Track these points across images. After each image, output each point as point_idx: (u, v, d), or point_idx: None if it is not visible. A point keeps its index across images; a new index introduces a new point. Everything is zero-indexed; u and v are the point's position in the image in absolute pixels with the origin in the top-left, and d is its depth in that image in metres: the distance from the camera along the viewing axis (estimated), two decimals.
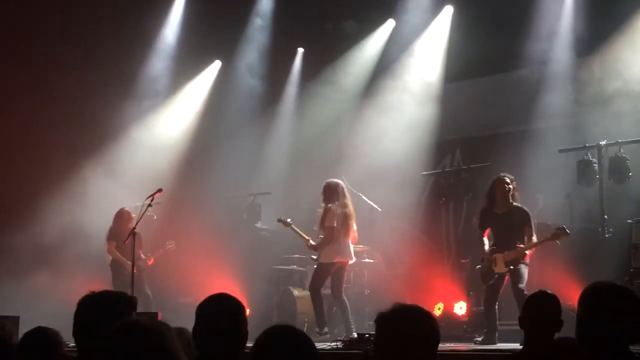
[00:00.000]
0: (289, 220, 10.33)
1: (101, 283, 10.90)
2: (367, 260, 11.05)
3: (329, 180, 9.73)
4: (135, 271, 9.88)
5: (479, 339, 8.91)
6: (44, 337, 4.00)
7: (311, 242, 9.76)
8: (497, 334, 8.72)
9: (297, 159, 12.87)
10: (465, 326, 10.07)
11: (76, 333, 3.38)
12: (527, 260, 8.72)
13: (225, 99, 13.36)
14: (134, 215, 10.63)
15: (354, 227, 9.69)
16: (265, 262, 12.01)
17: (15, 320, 7.18)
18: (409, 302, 9.64)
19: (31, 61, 11.76)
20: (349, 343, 8.17)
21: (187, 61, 13.12)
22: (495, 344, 8.59)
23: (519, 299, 8.43)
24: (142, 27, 12.56)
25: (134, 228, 9.68)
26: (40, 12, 11.71)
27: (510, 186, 8.78)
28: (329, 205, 9.50)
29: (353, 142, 12.39)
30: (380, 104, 12.37)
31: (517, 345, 7.64)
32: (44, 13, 11.74)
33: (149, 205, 9.55)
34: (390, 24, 12.78)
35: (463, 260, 10.82)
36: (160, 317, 7.87)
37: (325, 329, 9.43)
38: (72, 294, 4.11)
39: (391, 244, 11.67)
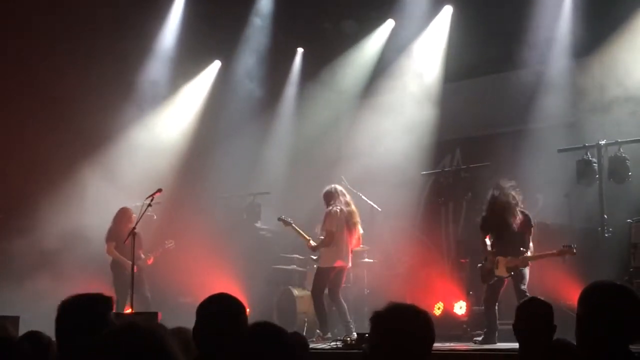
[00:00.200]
0: (289, 219, 10.33)
1: (101, 284, 10.93)
2: (366, 260, 11.06)
3: (325, 188, 9.76)
4: (135, 271, 9.87)
5: (479, 338, 8.91)
6: (36, 341, 4.00)
7: (312, 242, 9.77)
8: (497, 333, 8.72)
9: (296, 158, 12.88)
10: (465, 326, 10.08)
11: (58, 336, 3.40)
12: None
13: (225, 99, 13.35)
14: (134, 216, 10.62)
15: (360, 231, 9.70)
16: (265, 262, 12.01)
17: (15, 320, 7.18)
18: (408, 301, 9.63)
19: (30, 61, 11.74)
20: (349, 343, 8.19)
21: (187, 61, 13.12)
22: (495, 343, 8.59)
23: (520, 299, 8.43)
24: (142, 27, 12.55)
25: (134, 228, 9.68)
26: (40, 12, 11.70)
27: (516, 204, 8.74)
28: (329, 208, 9.51)
29: (353, 142, 12.40)
30: (380, 103, 12.38)
31: (517, 345, 7.63)
32: (43, 13, 11.73)
33: (149, 205, 9.55)
34: (389, 24, 12.78)
35: (463, 260, 10.81)
36: (160, 317, 7.88)
37: (329, 334, 9.42)
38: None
39: (391, 243, 11.67)
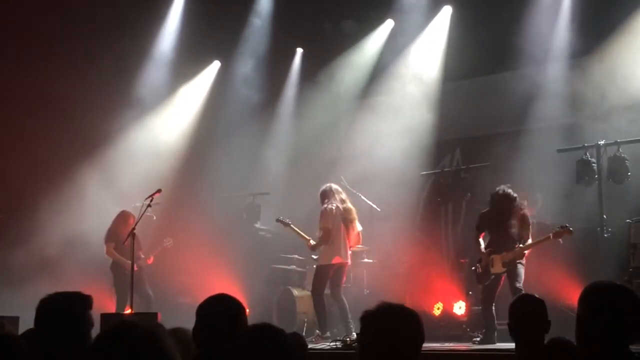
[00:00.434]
0: (287, 220, 10.34)
1: (101, 285, 10.94)
2: (366, 260, 11.06)
3: (321, 187, 9.77)
4: (135, 270, 9.88)
5: (478, 338, 8.92)
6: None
7: (312, 242, 9.77)
8: (496, 333, 8.72)
9: (296, 159, 12.88)
10: (464, 326, 10.08)
11: (37, 334, 3.41)
12: (524, 260, 8.73)
13: (224, 99, 13.35)
14: (133, 217, 10.62)
15: (358, 228, 9.70)
16: (264, 262, 12.00)
17: (14, 320, 7.18)
18: (408, 302, 9.64)
19: (29, 61, 11.73)
20: (348, 343, 8.19)
21: (186, 62, 13.12)
22: (495, 343, 8.60)
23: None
24: (142, 27, 12.55)
25: (133, 229, 9.68)
26: (39, 12, 11.69)
27: (516, 207, 8.77)
28: (323, 205, 9.52)
29: (352, 142, 12.40)
30: (379, 104, 12.39)
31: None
32: (43, 13, 11.72)
33: (149, 205, 9.54)
34: (389, 24, 12.79)
35: (462, 260, 10.82)
36: (159, 317, 7.88)
37: (328, 334, 9.42)
38: None
39: (390, 243, 11.66)
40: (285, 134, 13.44)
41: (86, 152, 12.15)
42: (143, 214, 9.53)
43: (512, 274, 8.62)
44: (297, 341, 4.54)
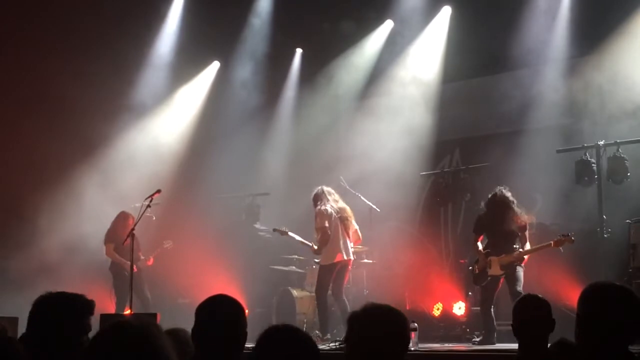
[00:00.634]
0: (284, 228, 10.35)
1: (100, 286, 10.93)
2: (365, 260, 11.06)
3: (313, 190, 9.78)
4: (135, 271, 9.87)
5: (478, 339, 8.91)
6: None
7: (314, 246, 9.76)
8: (495, 334, 8.72)
9: (296, 159, 12.87)
10: (464, 326, 10.08)
11: (29, 333, 3.36)
12: (524, 263, 8.73)
13: (223, 100, 13.35)
14: (133, 218, 10.61)
15: (355, 225, 9.69)
16: (264, 263, 12.00)
17: (14, 320, 7.17)
18: (408, 302, 9.62)
19: (26, 60, 11.70)
20: None
21: (185, 62, 13.11)
22: (494, 344, 8.59)
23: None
24: (141, 28, 12.54)
25: (133, 229, 9.67)
26: (37, 13, 11.68)
27: (513, 211, 8.77)
28: (317, 207, 9.52)
29: (351, 143, 12.39)
30: (379, 104, 12.39)
31: (515, 346, 7.64)
32: (40, 14, 11.71)
33: (148, 206, 9.54)
34: (388, 25, 12.78)
35: (462, 261, 10.82)
36: (158, 318, 7.88)
37: (328, 335, 9.41)
38: None
39: (390, 244, 11.67)
40: (284, 134, 13.44)
41: (85, 153, 12.13)
42: (142, 214, 9.53)
43: (512, 278, 8.61)
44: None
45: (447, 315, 10.48)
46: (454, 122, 12.18)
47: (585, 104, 10.41)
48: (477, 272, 8.95)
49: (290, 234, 10.30)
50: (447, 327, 10.37)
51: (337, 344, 8.43)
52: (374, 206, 11.13)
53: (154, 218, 11.32)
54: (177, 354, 2.33)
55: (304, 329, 10.34)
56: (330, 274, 9.50)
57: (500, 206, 8.79)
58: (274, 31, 13.05)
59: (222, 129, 13.08)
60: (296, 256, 11.68)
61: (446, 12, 12.29)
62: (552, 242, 8.54)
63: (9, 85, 11.52)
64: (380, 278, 11.18)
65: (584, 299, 3.09)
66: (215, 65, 13.75)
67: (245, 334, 3.61)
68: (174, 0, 13.10)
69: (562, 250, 8.69)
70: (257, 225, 12.66)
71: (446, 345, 9.25)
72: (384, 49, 12.78)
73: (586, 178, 9.86)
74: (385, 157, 11.57)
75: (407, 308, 10.67)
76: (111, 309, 10.53)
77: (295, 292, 11.11)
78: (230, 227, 12.37)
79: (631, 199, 9.66)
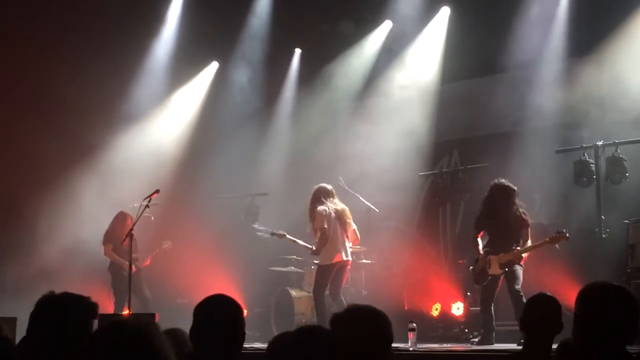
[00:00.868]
0: (282, 232, 10.34)
1: (98, 287, 10.93)
2: (364, 260, 11.06)
3: (314, 187, 9.75)
4: (133, 271, 9.87)
5: (476, 339, 8.92)
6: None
7: (313, 247, 9.74)
8: (494, 334, 8.72)
9: (295, 159, 12.87)
10: (462, 327, 10.08)
11: (30, 333, 3.35)
12: (522, 262, 8.73)
13: (222, 100, 13.34)
14: (131, 218, 10.61)
15: (354, 226, 9.68)
16: (262, 263, 12.00)
17: (12, 321, 7.16)
18: (406, 302, 9.62)
19: (24, 60, 11.66)
20: None
21: (184, 63, 13.10)
22: (493, 344, 8.60)
23: (515, 300, 8.45)
24: (139, 27, 12.52)
25: (131, 229, 9.67)
26: (34, 12, 11.65)
27: (513, 199, 8.77)
28: (317, 207, 9.50)
29: (350, 143, 12.40)
30: (377, 105, 12.39)
31: (514, 346, 7.66)
32: (37, 13, 11.68)
33: (147, 206, 9.54)
34: (387, 25, 12.78)
35: (460, 261, 10.83)
36: (157, 318, 7.88)
37: None
38: None
39: (388, 244, 11.66)
40: (283, 134, 13.44)
41: (83, 154, 12.11)
42: (141, 214, 9.53)
43: (511, 276, 8.62)
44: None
45: (445, 315, 10.48)
46: (452, 123, 12.18)
47: (584, 104, 10.41)
48: (477, 272, 8.94)
49: (288, 236, 10.29)
50: (446, 327, 10.37)
51: None
52: (372, 206, 11.14)
53: (153, 218, 11.32)
54: (176, 354, 2.33)
55: None
56: (329, 275, 9.49)
57: (500, 194, 8.78)
58: (273, 32, 13.04)
59: (221, 129, 13.07)
60: (295, 256, 11.68)
61: (445, 12, 12.29)
62: (547, 239, 8.55)
63: (6, 86, 11.49)
64: (379, 278, 11.18)
65: (581, 298, 3.09)
66: (214, 66, 13.75)
67: (244, 334, 3.61)
68: (172, 0, 13.09)
69: (557, 247, 8.70)
70: (256, 226, 12.65)
71: (445, 345, 9.26)
72: (382, 50, 12.78)
73: (585, 178, 9.87)
74: (384, 157, 11.58)
75: (406, 308, 10.67)
76: (110, 309, 10.53)
77: (293, 292, 11.11)
78: (229, 228, 12.36)
79: (629, 200, 9.67)
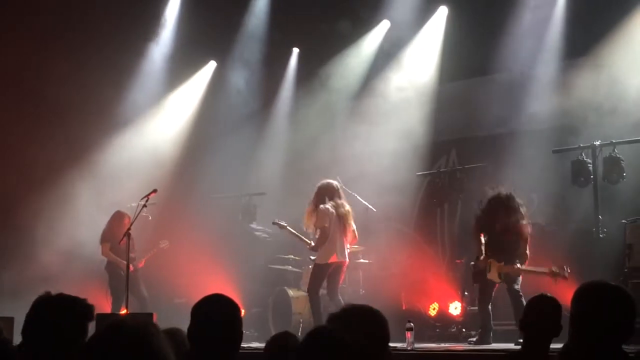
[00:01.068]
0: (283, 222, 10.33)
1: (97, 285, 10.92)
2: (362, 260, 11.06)
3: (321, 181, 9.71)
4: (131, 271, 9.86)
5: (474, 339, 8.92)
6: None
7: (311, 243, 9.74)
8: (492, 333, 8.73)
9: (292, 159, 12.86)
10: (460, 326, 10.09)
11: (25, 334, 3.34)
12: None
13: (220, 99, 13.34)
14: (129, 217, 10.60)
15: (353, 226, 9.68)
16: (260, 263, 12.00)
17: (10, 320, 7.16)
18: (404, 302, 9.60)
19: (19, 59, 11.64)
20: None
21: (182, 62, 13.10)
22: (490, 344, 8.60)
23: (514, 299, 8.45)
24: (137, 27, 12.52)
25: (129, 229, 9.66)
26: (30, 10, 11.62)
27: (512, 208, 8.74)
28: (320, 205, 9.49)
29: (348, 142, 12.40)
30: (375, 104, 12.38)
31: (511, 346, 7.66)
32: (33, 12, 11.65)
33: (144, 205, 9.53)
34: (385, 25, 12.78)
35: (458, 261, 10.83)
36: (155, 318, 7.87)
37: None
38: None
39: (386, 244, 11.66)
40: (281, 134, 13.43)
41: (80, 155, 12.11)
42: (138, 214, 9.52)
43: (509, 278, 8.61)
44: (289, 340, 4.54)
45: (443, 315, 10.48)
46: (450, 123, 12.18)
47: (582, 104, 10.41)
48: (477, 270, 8.92)
49: (288, 228, 10.28)
50: (443, 326, 10.37)
51: None
52: (370, 206, 11.14)
53: (150, 218, 11.31)
54: (174, 354, 2.33)
55: (300, 328, 10.38)
56: (324, 274, 9.49)
57: (499, 208, 8.75)
58: (271, 31, 13.04)
59: (219, 128, 13.08)
60: (292, 256, 11.67)
61: (442, 12, 12.29)
62: (547, 272, 8.48)
63: (1, 87, 11.46)
64: (377, 278, 11.18)
65: (578, 298, 3.09)
66: (211, 65, 13.74)
67: (241, 333, 3.61)
68: (170, 0, 13.09)
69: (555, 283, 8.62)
70: (254, 225, 12.65)
71: (442, 345, 9.26)
72: (380, 50, 12.78)
73: (582, 178, 9.87)
74: (382, 157, 11.59)
75: (404, 308, 10.67)
76: (107, 308, 10.53)
77: (291, 292, 11.10)
78: (226, 227, 12.36)
79: (627, 199, 9.68)
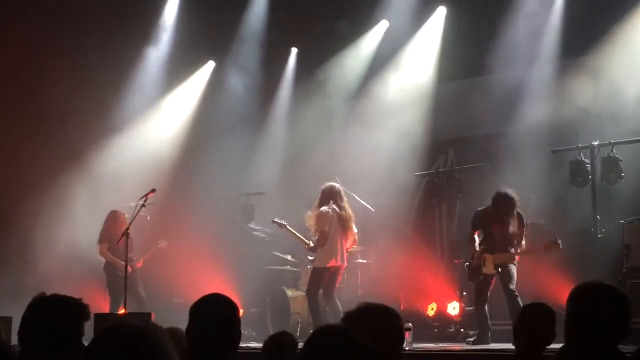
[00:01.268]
0: (283, 221, 10.32)
1: (94, 285, 10.91)
2: (360, 260, 11.06)
3: (324, 184, 9.72)
4: (129, 271, 9.86)
5: (472, 339, 8.93)
6: None
7: (311, 244, 9.74)
8: (489, 333, 8.73)
9: (291, 158, 12.86)
10: (458, 326, 10.09)
11: (21, 334, 3.34)
12: (515, 260, 8.76)
13: (219, 99, 13.33)
14: (127, 217, 10.60)
15: (354, 229, 9.68)
16: (258, 262, 11.99)
17: (7, 320, 7.16)
18: (402, 302, 9.61)
19: (14, 61, 11.62)
20: None
21: (180, 61, 13.09)
22: (488, 343, 8.61)
23: (510, 299, 8.47)
24: (135, 27, 12.51)
25: (128, 228, 9.66)
26: (27, 9, 11.60)
27: (515, 209, 8.81)
28: (322, 208, 9.48)
29: (346, 142, 12.39)
30: (374, 104, 12.38)
31: (509, 345, 7.65)
32: (30, 10, 11.62)
33: (143, 205, 9.53)
34: (383, 25, 12.78)
35: (456, 261, 10.83)
36: (153, 317, 7.87)
37: None
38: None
39: (384, 244, 11.67)
40: (279, 134, 13.43)
41: (77, 156, 12.09)
42: (137, 213, 9.51)
43: (505, 276, 8.64)
44: (286, 340, 4.55)
45: (441, 315, 10.49)
46: (448, 123, 12.18)
47: (580, 104, 10.42)
48: (472, 268, 8.96)
49: (288, 227, 10.28)
50: (442, 326, 10.38)
51: None
52: (368, 206, 11.14)
53: (149, 218, 11.30)
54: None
55: (299, 328, 10.39)
56: (323, 277, 9.50)
57: (506, 207, 8.80)
58: (269, 31, 13.04)
59: (217, 128, 13.06)
60: (291, 256, 11.67)
61: (441, 12, 12.30)
62: (541, 248, 8.60)
63: None
64: (375, 278, 11.18)
65: (574, 298, 3.09)
66: (210, 65, 13.74)
67: (240, 333, 3.61)
68: (168, 0, 13.08)
69: (552, 256, 8.72)
70: (252, 225, 12.64)
71: (440, 345, 9.26)
72: (379, 49, 12.78)
73: (580, 178, 9.88)
74: (380, 157, 11.59)
75: (402, 308, 10.67)
76: (105, 309, 10.52)
77: (289, 292, 11.11)
78: (224, 227, 12.35)
79: (625, 200, 9.68)
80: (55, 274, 11.25)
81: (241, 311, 3.73)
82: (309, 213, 9.66)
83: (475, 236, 9.07)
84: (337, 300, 9.54)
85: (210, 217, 12.30)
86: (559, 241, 8.55)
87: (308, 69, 13.17)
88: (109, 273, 10.88)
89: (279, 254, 11.82)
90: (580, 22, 10.66)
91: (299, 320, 10.70)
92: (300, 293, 10.93)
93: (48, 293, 3.50)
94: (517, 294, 8.43)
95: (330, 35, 12.75)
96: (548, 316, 4.38)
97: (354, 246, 10.10)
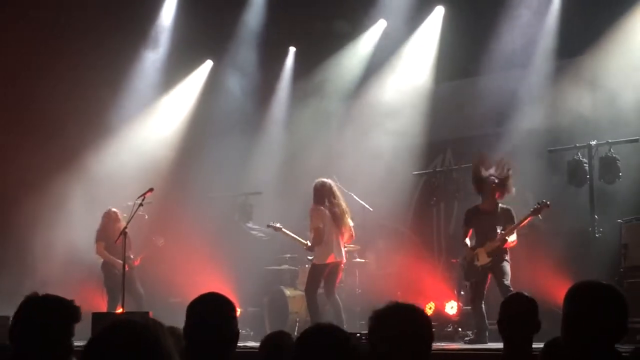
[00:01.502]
0: (278, 224, 10.33)
1: (92, 284, 10.90)
2: (358, 259, 11.06)
3: (316, 180, 9.71)
4: (127, 269, 9.85)
5: (469, 338, 8.93)
6: None
7: (308, 243, 9.74)
8: (487, 332, 8.73)
9: (289, 158, 12.87)
10: (456, 325, 10.10)
11: (12, 334, 3.35)
12: (508, 257, 8.78)
13: (216, 99, 13.33)
14: (124, 215, 10.60)
15: (350, 223, 9.67)
16: (256, 262, 12.00)
17: (5, 319, 7.15)
18: (400, 301, 9.57)
19: (10, 62, 11.59)
20: None
21: (178, 61, 13.08)
22: (486, 343, 8.60)
23: (506, 295, 8.46)
24: (132, 26, 12.51)
25: (125, 227, 9.65)
26: (23, 10, 11.59)
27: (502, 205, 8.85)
28: (316, 206, 9.49)
29: (344, 142, 12.40)
30: (371, 104, 12.38)
31: None
32: (27, 10, 11.61)
33: (140, 204, 9.52)
34: (381, 24, 12.79)
35: (454, 260, 10.84)
36: (151, 316, 7.85)
37: None
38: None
39: (382, 243, 11.68)
40: (277, 133, 13.43)
41: (74, 157, 12.08)
42: (135, 213, 9.51)
43: (499, 272, 8.66)
44: (284, 339, 4.54)
45: (439, 314, 10.49)
46: (446, 122, 12.19)
47: (578, 104, 10.42)
48: (466, 266, 8.99)
49: (284, 230, 10.29)
50: (439, 326, 10.37)
51: None
52: (366, 205, 11.14)
53: (147, 217, 11.30)
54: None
55: (297, 328, 10.38)
56: (322, 274, 9.49)
57: (486, 182, 8.87)
58: (268, 31, 13.03)
59: (215, 128, 13.06)
60: (289, 255, 11.67)
61: (439, 12, 12.30)
62: (529, 213, 8.68)
63: None
64: (373, 277, 11.19)
65: (571, 298, 3.09)
66: (208, 65, 13.73)
67: (237, 332, 3.61)
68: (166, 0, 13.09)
69: (540, 217, 8.77)
70: (250, 224, 12.64)
71: (438, 344, 9.26)
72: (376, 49, 12.78)
73: (578, 178, 9.88)
74: (378, 156, 11.59)
75: None
76: (103, 307, 10.51)
77: (287, 291, 11.11)
78: (222, 226, 12.35)
79: (623, 199, 9.69)
80: (54, 274, 11.26)
81: (239, 310, 3.73)
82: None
83: (467, 240, 9.08)
84: (338, 299, 9.53)
85: (208, 217, 12.31)
86: (548, 202, 8.59)
87: (306, 68, 13.17)
88: (106, 272, 10.88)
89: (276, 253, 11.82)
90: (578, 21, 10.68)
91: (297, 319, 10.70)
92: (298, 292, 10.93)
93: (46, 293, 3.51)
94: (512, 289, 8.43)
95: (328, 35, 12.75)
96: (529, 304, 4.37)
97: (351, 242, 10.08)
